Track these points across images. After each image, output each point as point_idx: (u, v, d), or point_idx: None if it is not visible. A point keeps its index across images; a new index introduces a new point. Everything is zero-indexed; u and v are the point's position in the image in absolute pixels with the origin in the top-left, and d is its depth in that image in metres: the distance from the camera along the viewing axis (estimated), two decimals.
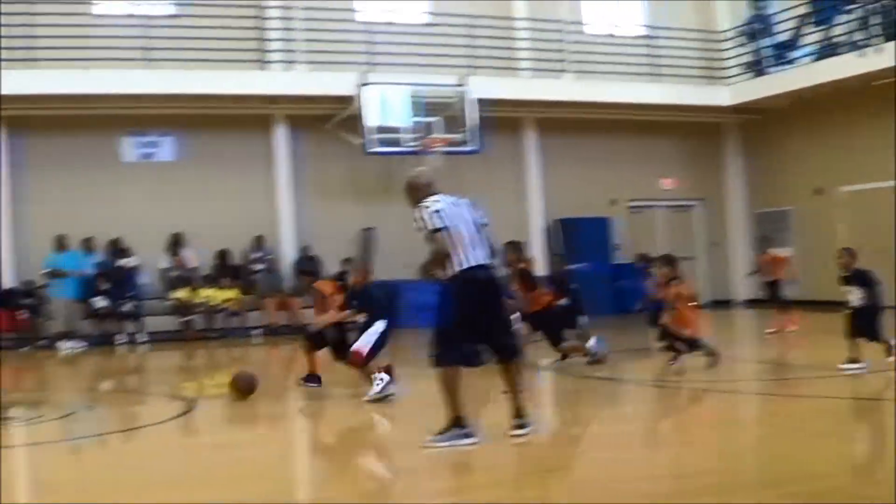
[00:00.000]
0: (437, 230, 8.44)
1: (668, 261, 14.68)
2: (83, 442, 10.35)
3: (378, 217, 22.24)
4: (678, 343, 13.71)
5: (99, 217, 23.14)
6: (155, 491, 7.62)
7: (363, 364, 11.72)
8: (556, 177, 26.66)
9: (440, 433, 8.42)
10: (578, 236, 26.06)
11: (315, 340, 12.54)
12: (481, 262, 8.53)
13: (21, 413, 12.09)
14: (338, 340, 12.29)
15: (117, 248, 23.21)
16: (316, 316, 12.75)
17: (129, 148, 24.25)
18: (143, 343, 21.86)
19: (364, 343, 11.78)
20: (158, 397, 12.59)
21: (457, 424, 8.44)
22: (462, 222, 8.53)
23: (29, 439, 10.62)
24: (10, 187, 23.10)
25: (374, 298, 12.48)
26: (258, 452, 9.24)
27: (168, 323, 22.63)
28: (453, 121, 24.01)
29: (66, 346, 21.32)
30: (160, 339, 22.02)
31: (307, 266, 13.14)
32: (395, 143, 23.47)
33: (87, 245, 22.92)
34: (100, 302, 22.09)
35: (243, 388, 12.12)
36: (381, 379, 11.43)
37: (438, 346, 8.48)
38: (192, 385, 12.62)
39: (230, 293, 22.57)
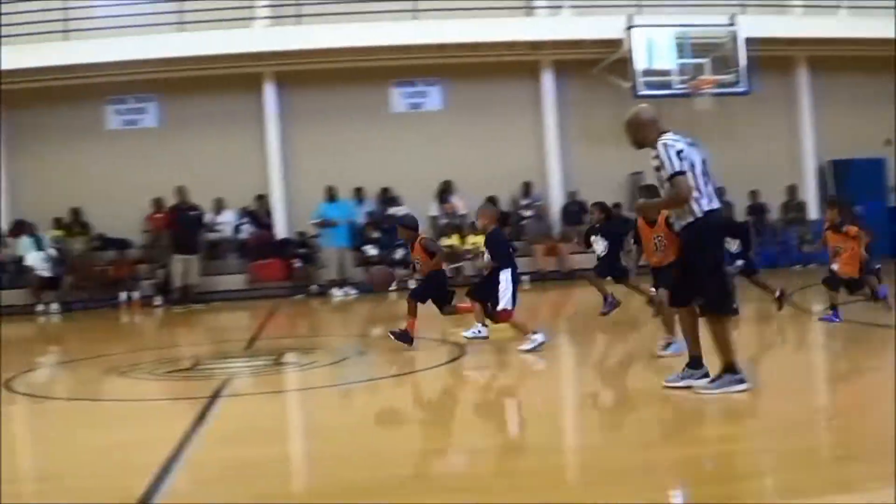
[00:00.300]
0: (680, 173, 7.90)
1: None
2: (355, 387, 10.48)
3: (646, 161, 21.68)
4: None
5: (368, 167, 23.63)
6: (427, 435, 7.59)
7: (510, 319, 11.62)
8: (828, 116, 25.42)
9: (713, 379, 8.08)
10: (851, 177, 24.84)
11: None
12: (715, 206, 8.07)
13: (296, 358, 12.37)
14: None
15: (387, 197, 23.60)
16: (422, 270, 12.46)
17: (398, 98, 24.54)
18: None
19: (505, 300, 11.53)
20: (429, 342, 12.62)
21: (729, 370, 8.10)
22: (698, 164, 8.05)
23: (303, 384, 10.84)
24: (280, 140, 23.81)
25: (500, 244, 12.11)
26: (526, 398, 9.09)
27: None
28: (722, 61, 23.23)
29: (338, 294, 21.84)
30: None
31: (408, 221, 13.03)
32: (665, 85, 22.91)
33: (358, 194, 23.38)
34: (371, 250, 22.48)
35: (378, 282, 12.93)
36: (535, 339, 11.33)
37: (711, 294, 8.09)
38: (461, 330, 12.55)
39: None
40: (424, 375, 10.71)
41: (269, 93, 24.01)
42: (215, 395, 9.53)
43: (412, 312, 12.01)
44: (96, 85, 23.51)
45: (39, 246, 22.67)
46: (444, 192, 23.62)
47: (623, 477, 5.91)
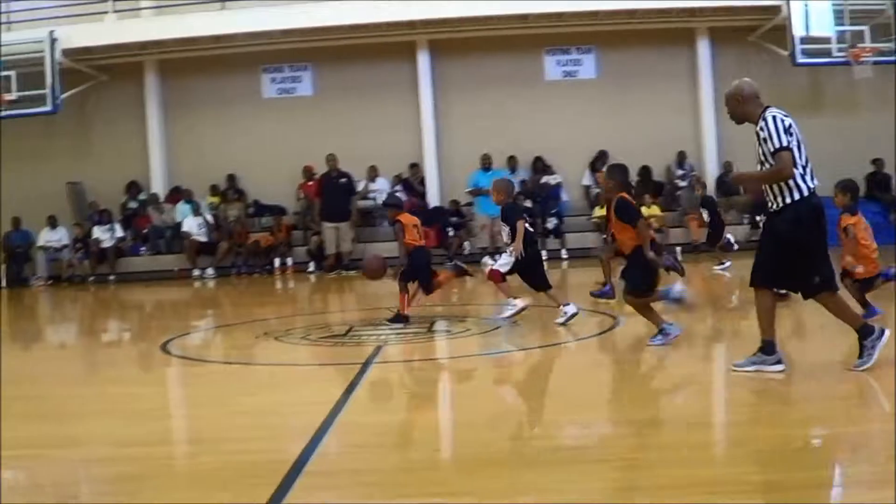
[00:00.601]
0: (786, 148, 7.48)
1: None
2: (506, 356, 10.37)
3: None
4: None
5: (521, 135, 23.46)
6: (574, 406, 7.44)
7: (499, 281, 11.96)
8: None
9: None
10: None
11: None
12: (813, 187, 7.65)
13: (448, 327, 12.31)
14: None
15: (540, 166, 23.41)
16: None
17: (552, 66, 24.29)
18: (565, 259, 21.97)
19: (501, 263, 11.96)
20: (580, 313, 12.42)
21: (765, 350, 7.80)
22: (801, 141, 7.65)
23: (455, 352, 10.77)
24: (433, 108, 23.81)
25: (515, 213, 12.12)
26: (676, 371, 8.83)
27: (588, 240, 22.54)
28: (881, 29, 22.37)
29: (488, 262, 21.75)
30: (578, 256, 22.02)
31: (393, 199, 13.11)
32: (824, 53, 22.20)
33: (511, 163, 23.22)
34: None
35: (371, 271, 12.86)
36: (514, 305, 11.83)
37: (826, 272, 7.76)
38: (614, 302, 12.35)
39: (652, 210, 22.16)
40: (575, 346, 10.52)
41: (423, 61, 24.01)
42: (368, 362, 9.53)
43: (403, 290, 12.19)
44: (252, 54, 23.85)
45: (196, 212, 23.11)
46: (598, 161, 23.32)
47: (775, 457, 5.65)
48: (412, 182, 23.78)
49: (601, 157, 23.28)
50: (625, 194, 9.91)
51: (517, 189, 22.66)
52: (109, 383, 9.93)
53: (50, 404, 8.51)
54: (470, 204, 22.93)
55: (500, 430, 6.67)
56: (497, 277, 11.95)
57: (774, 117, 7.59)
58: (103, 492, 5.71)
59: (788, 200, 7.60)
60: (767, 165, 7.63)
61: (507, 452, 6.06)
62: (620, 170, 10.26)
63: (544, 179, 22.90)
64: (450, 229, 22.70)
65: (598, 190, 22.99)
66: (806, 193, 7.58)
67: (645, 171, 23.19)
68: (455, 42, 23.81)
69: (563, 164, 23.48)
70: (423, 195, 23.74)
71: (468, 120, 23.96)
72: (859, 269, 10.56)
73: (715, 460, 5.89)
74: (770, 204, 7.77)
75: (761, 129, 7.61)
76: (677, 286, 10.26)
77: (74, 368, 11.08)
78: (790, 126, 7.57)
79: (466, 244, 22.77)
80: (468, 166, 22.86)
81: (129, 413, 7.90)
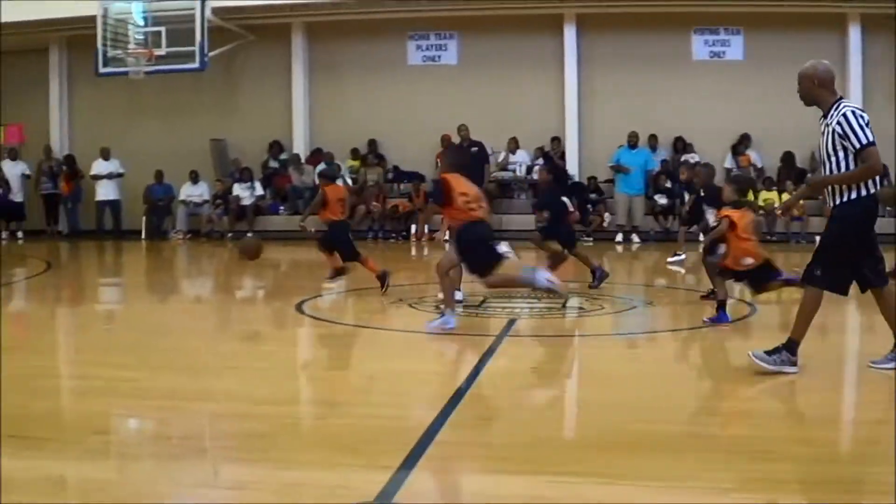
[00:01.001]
0: (872, 144, 7.15)
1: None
2: (640, 337, 10.22)
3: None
4: None
5: (664, 114, 23.08)
6: (704, 392, 7.29)
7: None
8: None
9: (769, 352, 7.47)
10: None
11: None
12: (873, 189, 7.30)
13: (582, 304, 12.18)
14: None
15: (681, 146, 23.05)
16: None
17: (699, 46, 23.85)
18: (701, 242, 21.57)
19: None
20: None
21: (789, 348, 7.45)
22: None
23: (589, 330, 10.67)
24: (577, 83, 23.62)
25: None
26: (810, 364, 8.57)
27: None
28: None
29: (632, 240, 21.71)
30: None
31: (328, 171, 14.11)
32: None
33: (652, 142, 22.91)
34: (661, 199, 22.05)
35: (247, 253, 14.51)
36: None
37: (822, 266, 7.42)
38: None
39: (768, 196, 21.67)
40: (708, 331, 10.28)
41: (569, 35, 23.76)
42: (501, 335, 9.47)
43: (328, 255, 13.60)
44: (400, 20, 23.87)
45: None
46: (740, 144, 22.83)
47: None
48: (552, 156, 23.60)
49: (743, 140, 22.80)
50: None
51: (657, 168, 22.48)
52: (243, 340, 10.07)
53: (185, 357, 8.64)
54: (610, 181, 22.68)
55: (631, 412, 6.53)
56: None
57: (854, 112, 7.28)
58: (233, 446, 5.76)
59: (854, 196, 7.29)
60: (835, 158, 7.30)
61: (638, 435, 5.92)
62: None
63: (684, 158, 22.49)
64: (587, 205, 22.49)
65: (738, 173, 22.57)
66: (872, 190, 7.32)
67: (788, 157, 22.64)
68: (603, 17, 23.51)
69: (705, 146, 23.02)
70: (563, 169, 23.55)
71: (611, 96, 23.65)
72: (750, 261, 10.26)
73: (852, 458, 5.69)
74: (830, 201, 7.46)
75: (838, 123, 7.27)
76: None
77: (210, 323, 11.24)
78: (868, 121, 7.26)
79: (606, 220, 22.52)
80: (608, 143, 22.60)
81: (261, 371, 7.98)
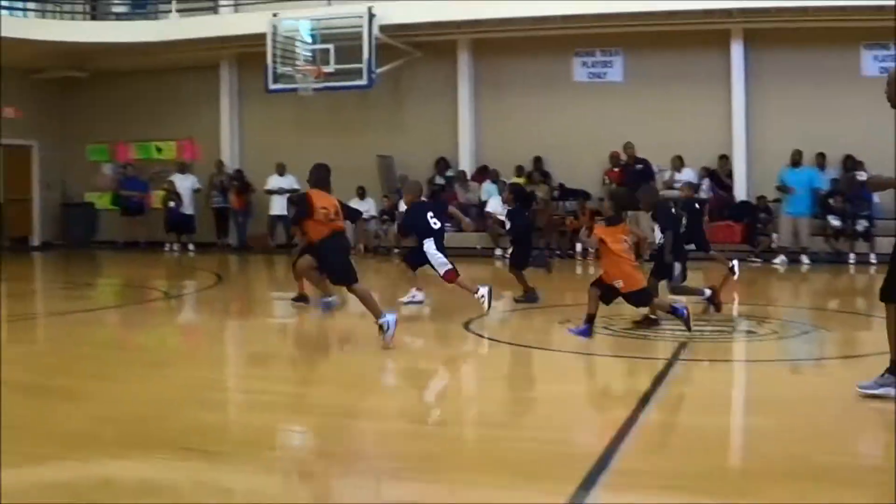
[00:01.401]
0: None
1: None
2: (810, 363, 10.01)
3: None
4: None
5: (834, 132, 22.48)
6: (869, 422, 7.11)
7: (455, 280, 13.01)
8: None
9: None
10: None
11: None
12: None
13: (753, 327, 11.97)
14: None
15: (850, 164, 22.46)
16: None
17: (868, 62, 23.20)
18: (873, 265, 20.94)
19: (441, 264, 13.17)
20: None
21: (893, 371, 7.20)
22: None
23: (761, 356, 10.43)
24: (745, 100, 23.26)
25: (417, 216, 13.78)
26: None
27: None
28: None
29: (779, 261, 21.22)
30: (885, 262, 20.95)
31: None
32: None
33: (819, 160, 22.38)
34: (834, 220, 21.52)
35: None
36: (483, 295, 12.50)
37: None
38: None
39: None
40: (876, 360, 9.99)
41: (737, 51, 23.41)
42: (673, 358, 9.38)
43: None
44: (565, 37, 23.85)
45: (500, 192, 23.36)
46: None
47: None
48: (719, 174, 23.27)
49: None
50: None
51: (827, 188, 21.93)
52: (411, 357, 10.17)
53: (352, 372, 8.78)
54: (778, 200, 22.25)
55: (806, 442, 6.39)
56: (452, 276, 13.04)
57: None
58: (403, 467, 5.81)
59: None
60: None
61: (813, 467, 5.78)
62: None
63: (852, 174, 21.88)
64: (759, 225, 22.13)
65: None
66: None
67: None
68: (770, 32, 23.08)
69: (873, 163, 22.37)
70: (729, 188, 23.21)
71: (780, 113, 23.17)
72: (620, 284, 10.31)
73: None
74: None
75: None
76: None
77: (378, 338, 11.39)
78: None
79: (774, 240, 22.10)
80: (778, 160, 22.15)
81: (428, 389, 8.06)
